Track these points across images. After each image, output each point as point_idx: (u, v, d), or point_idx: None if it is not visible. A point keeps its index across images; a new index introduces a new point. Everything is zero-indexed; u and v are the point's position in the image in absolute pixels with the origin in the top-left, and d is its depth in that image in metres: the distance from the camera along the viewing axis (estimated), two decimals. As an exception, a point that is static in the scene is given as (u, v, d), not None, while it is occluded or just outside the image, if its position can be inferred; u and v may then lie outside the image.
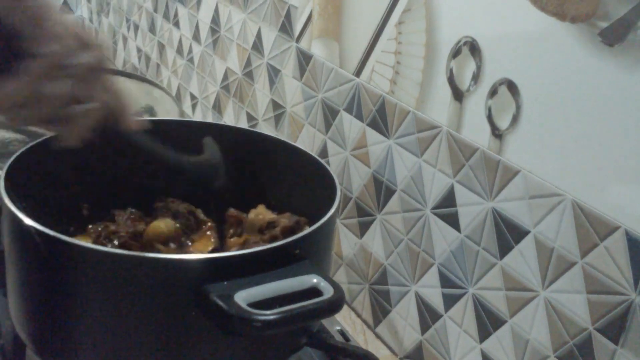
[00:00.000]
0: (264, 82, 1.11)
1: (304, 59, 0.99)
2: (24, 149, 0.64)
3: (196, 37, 1.35)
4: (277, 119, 1.08)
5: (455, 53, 0.73)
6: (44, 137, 0.66)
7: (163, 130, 0.75)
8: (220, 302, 0.48)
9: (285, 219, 0.69)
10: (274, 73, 1.08)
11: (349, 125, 0.90)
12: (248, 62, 1.16)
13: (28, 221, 0.53)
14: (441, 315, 0.78)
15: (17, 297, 0.57)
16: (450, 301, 0.76)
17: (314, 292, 0.51)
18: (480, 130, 0.70)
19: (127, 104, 0.57)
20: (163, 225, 0.67)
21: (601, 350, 0.59)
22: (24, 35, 0.48)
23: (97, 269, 0.52)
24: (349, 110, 0.90)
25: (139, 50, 1.67)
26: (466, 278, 0.73)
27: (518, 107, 0.66)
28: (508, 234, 0.67)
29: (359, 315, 0.92)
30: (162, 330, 0.53)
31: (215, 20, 1.26)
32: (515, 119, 0.66)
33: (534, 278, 0.65)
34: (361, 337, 0.88)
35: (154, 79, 1.56)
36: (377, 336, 0.89)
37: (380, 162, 0.85)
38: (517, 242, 0.66)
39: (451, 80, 0.74)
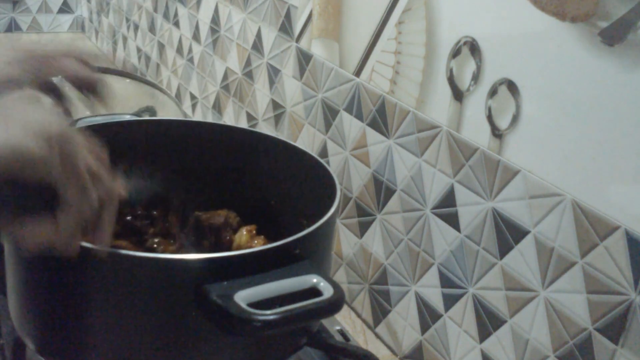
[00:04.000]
0: (264, 82, 1.11)
1: (304, 58, 0.99)
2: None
3: (196, 37, 1.35)
4: (277, 118, 1.08)
5: (455, 53, 0.73)
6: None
7: (163, 130, 0.75)
8: (220, 302, 0.48)
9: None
10: (274, 73, 1.08)
11: (349, 125, 0.90)
12: (248, 62, 1.16)
13: (28, 221, 0.52)
14: (441, 315, 0.78)
15: (17, 296, 0.57)
16: (450, 301, 0.76)
17: (314, 292, 0.51)
18: (480, 130, 0.70)
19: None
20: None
21: (601, 350, 0.59)
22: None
23: (97, 269, 0.52)
24: (349, 110, 0.90)
25: (138, 50, 1.67)
26: (466, 278, 0.73)
27: (518, 107, 0.66)
28: (508, 234, 0.67)
29: (359, 315, 0.92)
30: (162, 330, 0.53)
31: (215, 20, 1.26)
32: (515, 119, 0.66)
33: (534, 278, 0.65)
34: (361, 337, 0.88)
35: (154, 79, 1.56)
36: (377, 336, 0.89)
37: (380, 162, 0.85)
38: (517, 242, 0.66)
39: (451, 80, 0.73)
